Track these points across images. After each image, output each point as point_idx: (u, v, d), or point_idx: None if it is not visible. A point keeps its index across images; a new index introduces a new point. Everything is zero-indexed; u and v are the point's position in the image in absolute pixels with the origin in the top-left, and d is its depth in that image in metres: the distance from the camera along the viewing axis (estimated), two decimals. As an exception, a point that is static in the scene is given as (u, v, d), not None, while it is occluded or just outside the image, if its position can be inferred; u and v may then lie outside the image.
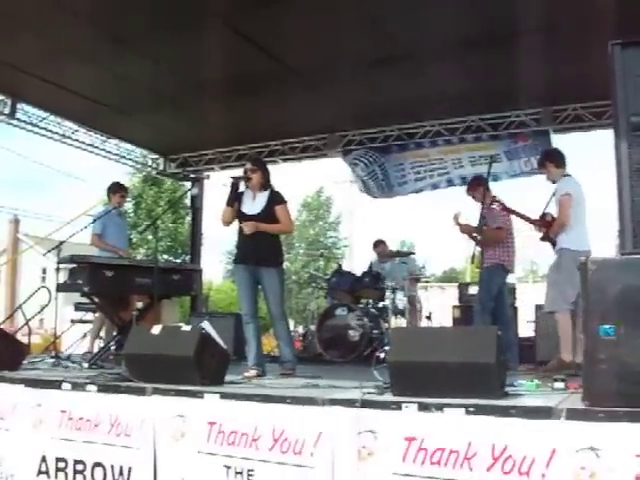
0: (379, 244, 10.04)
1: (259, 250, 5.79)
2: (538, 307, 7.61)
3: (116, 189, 8.14)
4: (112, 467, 4.42)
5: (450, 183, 10.10)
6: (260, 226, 5.79)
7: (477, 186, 7.19)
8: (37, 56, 7.42)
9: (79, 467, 4.54)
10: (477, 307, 6.85)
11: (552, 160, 6.37)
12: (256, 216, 5.87)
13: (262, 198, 5.95)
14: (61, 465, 4.61)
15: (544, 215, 6.50)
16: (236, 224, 6.02)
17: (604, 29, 4.99)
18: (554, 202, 6.30)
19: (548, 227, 6.36)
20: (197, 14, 6.55)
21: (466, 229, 7.09)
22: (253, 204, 5.96)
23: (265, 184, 6.00)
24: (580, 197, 6.16)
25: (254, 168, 5.99)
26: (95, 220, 7.82)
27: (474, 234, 6.81)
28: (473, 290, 8.81)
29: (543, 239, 6.46)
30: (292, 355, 5.99)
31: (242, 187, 6.03)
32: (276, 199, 5.97)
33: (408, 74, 7.78)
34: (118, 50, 7.28)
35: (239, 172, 6.15)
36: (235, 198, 5.97)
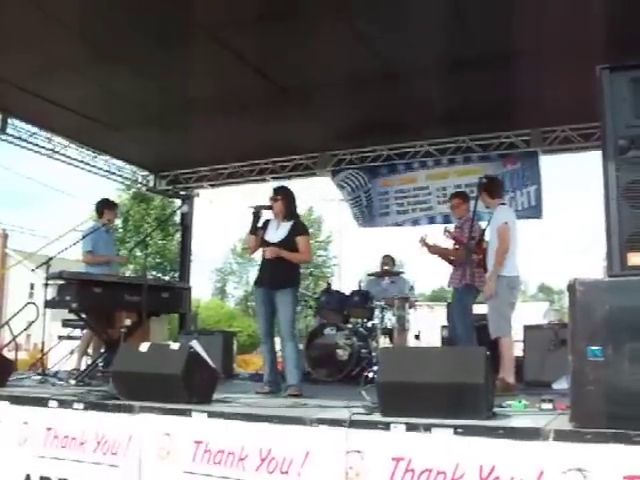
0: (388, 260, 9.75)
1: (275, 274, 6.00)
2: (526, 327, 7.62)
3: (107, 206, 8.11)
4: (97, 486, 4.38)
5: (431, 221, 10.08)
6: (281, 252, 5.99)
7: (459, 201, 7.21)
8: (28, 71, 7.42)
9: (64, 486, 4.50)
10: (460, 331, 6.69)
11: (488, 191, 6.53)
12: (277, 244, 6.08)
13: (285, 227, 6.18)
14: (45, 484, 4.57)
15: (481, 242, 6.72)
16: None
17: (593, 52, 5.04)
18: (489, 229, 6.49)
19: (483, 254, 6.55)
20: (188, 31, 6.59)
21: (435, 250, 7.14)
22: (276, 233, 6.19)
23: (288, 214, 6.21)
24: (514, 226, 6.34)
25: (276, 197, 6.21)
26: (84, 237, 7.78)
27: (445, 254, 7.06)
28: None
29: (478, 266, 6.63)
30: (295, 378, 5.91)
31: (269, 215, 6.28)
32: (298, 230, 6.20)
33: (397, 94, 7.82)
34: (109, 66, 7.29)
35: (263, 201, 6.35)
36: (259, 226, 6.25)
